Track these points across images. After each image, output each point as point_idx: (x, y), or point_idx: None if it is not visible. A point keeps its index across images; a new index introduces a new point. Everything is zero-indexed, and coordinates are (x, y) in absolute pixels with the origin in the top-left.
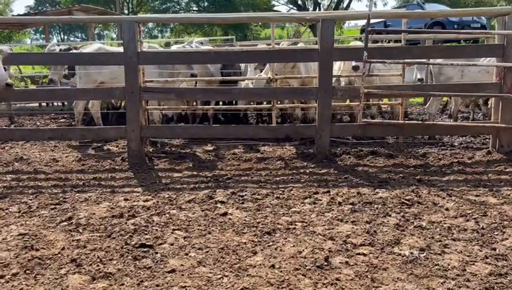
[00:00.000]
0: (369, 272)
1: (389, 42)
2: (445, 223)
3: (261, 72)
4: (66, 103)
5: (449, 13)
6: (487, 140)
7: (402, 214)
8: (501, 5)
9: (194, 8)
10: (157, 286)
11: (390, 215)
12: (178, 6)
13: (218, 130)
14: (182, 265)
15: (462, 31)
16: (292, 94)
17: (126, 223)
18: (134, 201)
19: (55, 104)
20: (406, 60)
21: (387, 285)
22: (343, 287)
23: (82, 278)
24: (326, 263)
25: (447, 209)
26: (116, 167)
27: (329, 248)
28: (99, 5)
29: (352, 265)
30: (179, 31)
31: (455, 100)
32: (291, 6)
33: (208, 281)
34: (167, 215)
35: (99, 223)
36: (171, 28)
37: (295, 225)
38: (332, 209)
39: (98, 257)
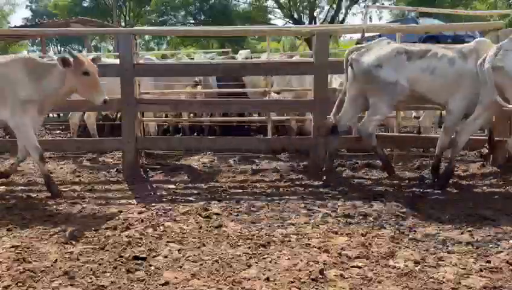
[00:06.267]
0: (363, 285)
1: None
2: (439, 236)
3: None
4: (61, 114)
5: (443, 27)
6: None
7: (397, 226)
8: (494, 20)
9: (191, 21)
10: None
11: (385, 228)
12: (175, 19)
13: (214, 141)
14: (175, 278)
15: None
16: (288, 107)
17: (120, 235)
18: (128, 213)
19: (50, 115)
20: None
21: None
22: None
23: None
24: (321, 276)
25: (441, 221)
26: (111, 179)
27: (324, 261)
28: (96, 17)
29: (347, 278)
30: (175, 43)
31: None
32: (288, 20)
33: None
34: (161, 227)
35: (93, 235)
36: (167, 40)
37: (290, 237)
38: (328, 222)
39: (91, 270)
